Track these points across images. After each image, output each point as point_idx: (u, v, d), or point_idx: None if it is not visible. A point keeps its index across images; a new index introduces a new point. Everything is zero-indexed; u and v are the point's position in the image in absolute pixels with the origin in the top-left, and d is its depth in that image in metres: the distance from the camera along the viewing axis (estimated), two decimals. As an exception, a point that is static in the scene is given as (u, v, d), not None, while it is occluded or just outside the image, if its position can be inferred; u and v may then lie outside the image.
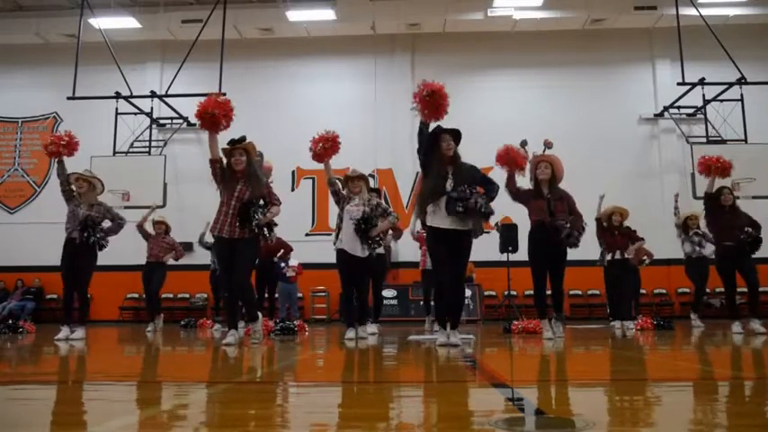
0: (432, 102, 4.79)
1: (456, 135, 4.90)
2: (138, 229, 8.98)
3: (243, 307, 5.68)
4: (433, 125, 4.93)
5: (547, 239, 5.67)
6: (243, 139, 5.37)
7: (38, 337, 7.33)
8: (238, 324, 5.67)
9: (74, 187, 6.69)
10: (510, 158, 5.86)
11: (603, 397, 2.43)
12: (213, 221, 5.30)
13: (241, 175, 5.27)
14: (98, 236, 6.53)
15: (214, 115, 5.15)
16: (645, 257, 8.57)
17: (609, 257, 8.09)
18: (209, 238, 8.95)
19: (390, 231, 7.17)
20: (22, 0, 13.78)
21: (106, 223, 6.76)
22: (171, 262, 9.28)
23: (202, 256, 10.40)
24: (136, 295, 13.22)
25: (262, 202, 5.34)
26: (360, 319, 6.28)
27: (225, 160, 5.36)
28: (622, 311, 7.89)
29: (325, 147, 6.11)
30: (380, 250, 6.65)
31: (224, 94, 11.72)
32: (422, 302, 10.62)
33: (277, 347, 5.22)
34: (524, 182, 6.13)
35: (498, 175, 5.22)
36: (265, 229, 5.24)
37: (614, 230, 7.93)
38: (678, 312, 12.07)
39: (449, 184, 4.75)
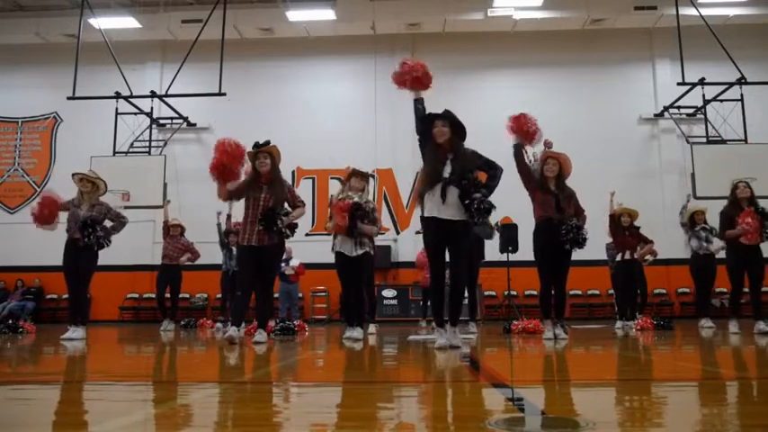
0: (408, 80, 4.73)
1: (450, 120, 4.61)
2: (163, 225, 9.44)
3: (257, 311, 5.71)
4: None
5: (554, 237, 5.56)
6: (267, 142, 5.43)
7: (38, 337, 7.33)
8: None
9: (78, 187, 6.70)
10: (521, 128, 5.52)
11: (603, 397, 2.43)
12: (241, 232, 5.42)
13: (265, 180, 5.37)
14: (99, 235, 6.53)
15: (226, 167, 5.15)
16: (649, 256, 8.56)
17: (618, 257, 8.09)
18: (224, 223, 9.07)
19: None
20: (22, 0, 13.78)
21: (108, 223, 6.76)
22: (187, 263, 9.37)
23: (203, 257, 10.40)
24: (136, 295, 13.23)
25: (286, 205, 5.45)
26: (357, 319, 6.25)
27: (246, 169, 5.48)
28: (629, 312, 7.91)
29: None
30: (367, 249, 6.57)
31: (224, 94, 11.82)
32: (420, 303, 10.62)
33: (277, 347, 5.22)
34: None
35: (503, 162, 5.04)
36: (287, 230, 5.39)
37: (624, 231, 7.96)
38: (678, 312, 12.09)
39: (446, 171, 4.48)
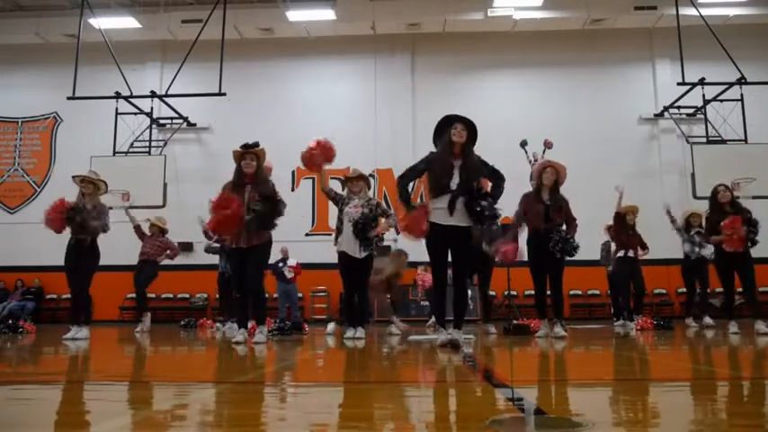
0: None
1: (470, 126, 4.64)
2: (135, 231, 9.19)
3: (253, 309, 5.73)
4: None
5: (543, 246, 5.78)
6: (256, 144, 5.46)
7: (38, 337, 7.33)
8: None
9: (80, 189, 6.69)
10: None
11: (603, 397, 2.43)
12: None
13: (249, 180, 5.41)
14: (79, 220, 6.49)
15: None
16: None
17: (621, 254, 8.12)
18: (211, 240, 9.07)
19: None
20: (21, 0, 13.78)
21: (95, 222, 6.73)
22: (167, 262, 9.34)
23: (203, 257, 10.40)
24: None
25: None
26: (359, 319, 6.28)
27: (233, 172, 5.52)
28: (631, 310, 7.98)
29: (314, 155, 5.95)
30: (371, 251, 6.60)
31: (224, 94, 11.81)
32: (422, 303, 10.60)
33: (277, 347, 5.22)
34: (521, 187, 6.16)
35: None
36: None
37: (629, 230, 7.99)
38: (678, 312, 12.07)
39: (454, 182, 4.54)
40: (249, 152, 5.41)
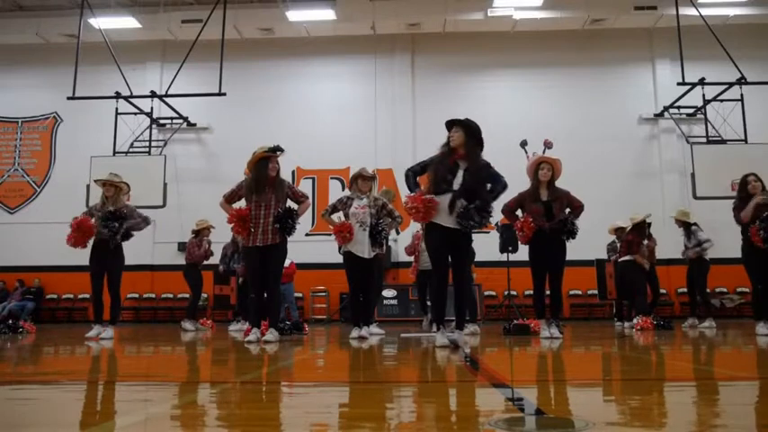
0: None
1: (466, 128, 4.67)
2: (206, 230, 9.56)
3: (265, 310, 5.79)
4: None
5: (545, 245, 5.74)
6: (279, 149, 5.61)
7: (38, 337, 7.33)
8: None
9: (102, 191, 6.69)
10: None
11: (603, 397, 2.43)
12: (248, 234, 5.56)
13: (271, 182, 5.56)
14: (123, 228, 6.55)
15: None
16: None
17: (628, 257, 8.24)
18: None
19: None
20: (21, 0, 13.78)
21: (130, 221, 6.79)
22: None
23: (202, 257, 10.38)
24: (136, 295, 13.23)
25: (289, 202, 5.67)
26: (365, 319, 6.30)
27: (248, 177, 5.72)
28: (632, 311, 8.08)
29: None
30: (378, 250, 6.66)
31: (224, 94, 11.83)
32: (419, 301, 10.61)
33: (278, 347, 5.21)
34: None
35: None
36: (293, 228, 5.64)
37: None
38: (678, 312, 12.08)
39: (457, 182, 4.57)
40: (275, 156, 5.57)
